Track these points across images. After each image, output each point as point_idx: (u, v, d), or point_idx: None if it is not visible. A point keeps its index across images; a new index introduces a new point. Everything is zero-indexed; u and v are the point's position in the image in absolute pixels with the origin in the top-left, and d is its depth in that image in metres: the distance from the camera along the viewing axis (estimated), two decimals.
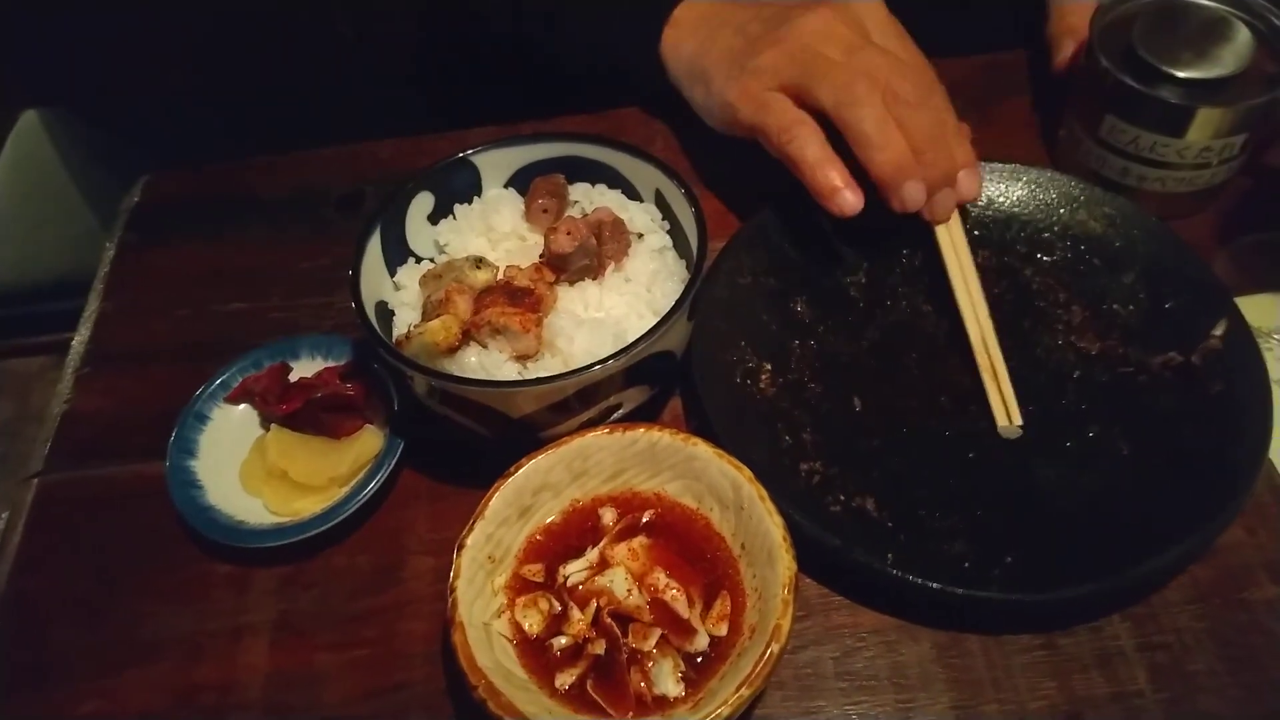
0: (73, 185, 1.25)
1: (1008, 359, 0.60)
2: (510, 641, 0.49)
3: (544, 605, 0.50)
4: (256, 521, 0.56)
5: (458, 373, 0.55)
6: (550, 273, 0.58)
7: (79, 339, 0.69)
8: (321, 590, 0.55)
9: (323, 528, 0.55)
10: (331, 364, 0.61)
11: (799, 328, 0.63)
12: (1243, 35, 0.62)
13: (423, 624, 0.54)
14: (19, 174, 1.25)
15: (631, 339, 0.53)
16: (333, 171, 0.78)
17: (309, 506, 0.56)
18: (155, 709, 0.52)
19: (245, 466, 0.58)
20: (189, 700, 0.52)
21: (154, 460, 0.58)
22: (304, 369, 0.61)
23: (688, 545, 0.53)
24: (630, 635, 0.49)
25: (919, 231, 0.65)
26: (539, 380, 0.51)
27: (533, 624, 0.50)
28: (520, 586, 0.51)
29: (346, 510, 0.55)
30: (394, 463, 0.57)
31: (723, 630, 0.49)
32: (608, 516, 0.54)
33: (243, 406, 0.61)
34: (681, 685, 0.48)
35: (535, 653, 0.49)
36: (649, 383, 0.57)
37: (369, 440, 0.58)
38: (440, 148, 0.68)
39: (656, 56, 0.70)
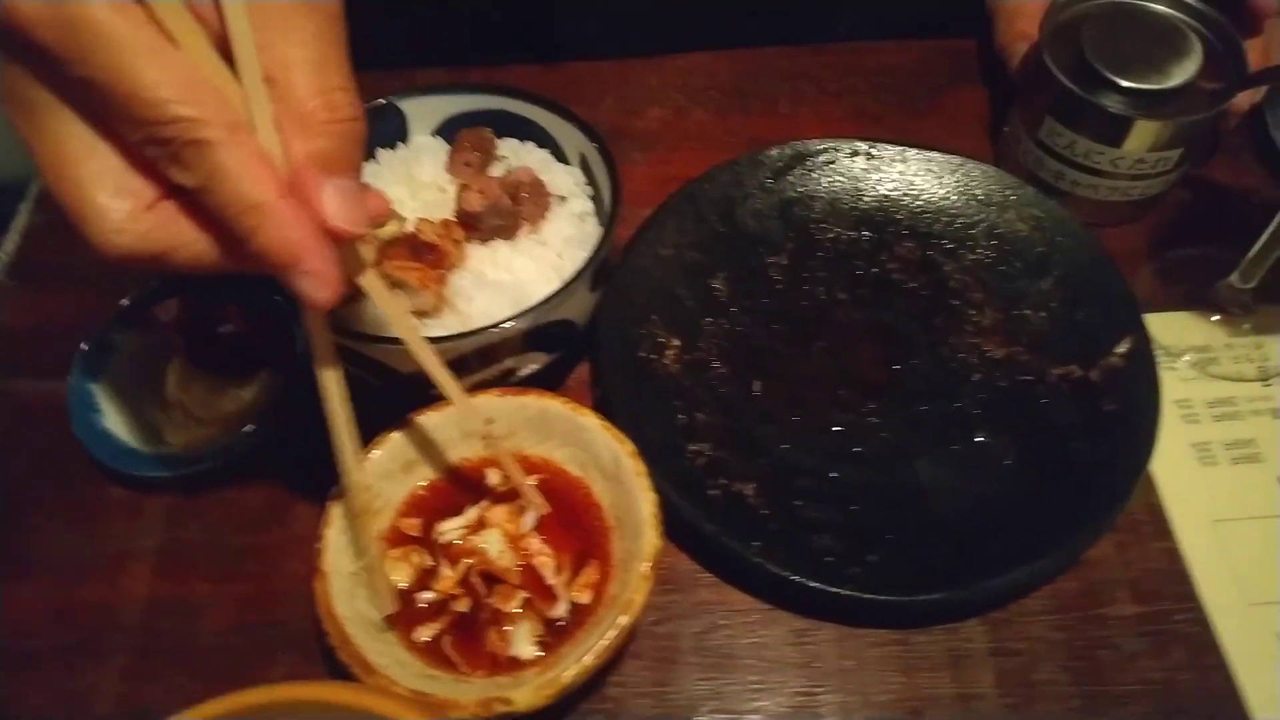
0: None
1: (917, 353, 0.60)
2: None
3: (415, 559, 0.51)
4: (152, 450, 0.57)
5: (354, 323, 0.55)
6: (460, 230, 0.58)
7: (4, 252, 0.69)
8: (209, 522, 0.56)
9: (216, 463, 0.56)
10: (240, 302, 0.61)
11: (714, 305, 0.63)
12: (1193, 48, 0.61)
13: (303, 565, 0.54)
14: None
15: (532, 303, 0.53)
16: None
17: (205, 440, 0.57)
18: (31, 625, 0.53)
19: (146, 395, 0.59)
20: (66, 619, 0.53)
21: (62, 380, 0.59)
22: (213, 305, 0.61)
23: (566, 512, 0.53)
24: (495, 596, 0.50)
25: (851, 214, 0.64)
26: (427, 340, 0.52)
27: (401, 577, 0.51)
28: (396, 539, 0.52)
29: (242, 447, 0.56)
30: (293, 403, 0.57)
31: (586, 598, 0.50)
32: (494, 478, 0.55)
33: (150, 336, 0.61)
34: (537, 648, 0.49)
35: (400, 605, 0.50)
36: (547, 349, 0.57)
37: (270, 379, 0.58)
38: (386, 86, 0.66)
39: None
